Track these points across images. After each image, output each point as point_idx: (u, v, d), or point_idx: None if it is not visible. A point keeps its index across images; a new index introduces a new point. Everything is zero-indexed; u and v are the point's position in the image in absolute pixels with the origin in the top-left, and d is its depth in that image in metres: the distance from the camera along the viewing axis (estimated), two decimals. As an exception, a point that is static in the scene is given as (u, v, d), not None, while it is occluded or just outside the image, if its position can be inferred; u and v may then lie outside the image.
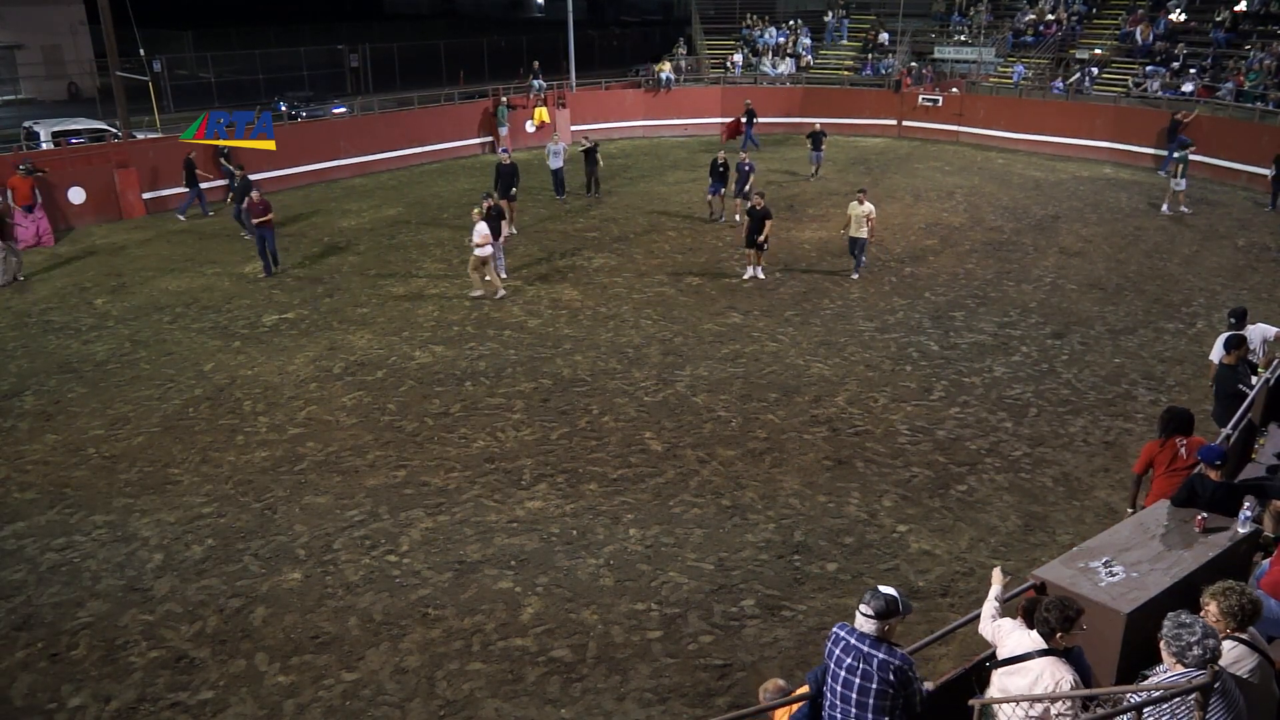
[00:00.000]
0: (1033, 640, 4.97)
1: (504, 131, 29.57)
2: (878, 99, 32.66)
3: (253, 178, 20.59)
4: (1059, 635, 4.92)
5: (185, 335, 15.37)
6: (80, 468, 11.34)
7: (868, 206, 16.98)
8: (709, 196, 21.82)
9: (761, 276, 17.64)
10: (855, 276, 17.54)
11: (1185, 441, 7.87)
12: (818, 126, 26.12)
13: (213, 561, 9.48)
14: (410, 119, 28.70)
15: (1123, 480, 10.76)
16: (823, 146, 25.85)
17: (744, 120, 29.41)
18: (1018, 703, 4.85)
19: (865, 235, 17.23)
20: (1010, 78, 31.88)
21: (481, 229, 16.08)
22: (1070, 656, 5.11)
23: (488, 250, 16.32)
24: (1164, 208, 22.47)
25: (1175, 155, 22.76)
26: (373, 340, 15.03)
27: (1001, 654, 5.10)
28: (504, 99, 29.96)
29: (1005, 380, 13.44)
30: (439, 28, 58.19)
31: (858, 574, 9.12)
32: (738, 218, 20.61)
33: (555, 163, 23.49)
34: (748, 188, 20.64)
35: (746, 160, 21.50)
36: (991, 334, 15.12)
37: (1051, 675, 4.82)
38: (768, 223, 17.12)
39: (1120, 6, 32.85)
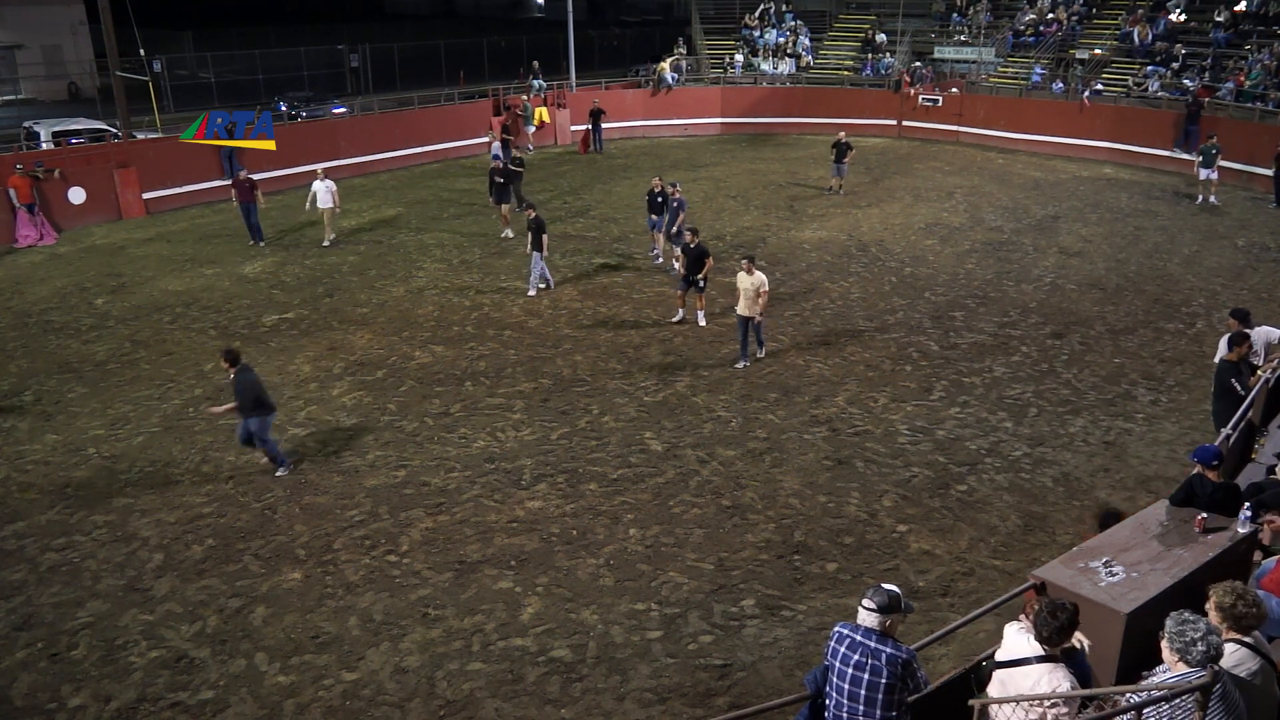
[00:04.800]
0: (1031, 646, 4.95)
1: (531, 130, 29.98)
2: (878, 99, 32.65)
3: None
4: (1055, 643, 4.90)
5: (185, 335, 15.37)
6: (80, 468, 11.35)
7: (758, 277, 13.39)
8: (651, 232, 19.16)
9: (704, 324, 15.35)
10: (742, 365, 13.84)
11: None
12: (841, 136, 24.07)
13: (213, 561, 9.48)
14: (410, 119, 28.70)
15: (1123, 480, 10.77)
16: (846, 159, 23.81)
17: (590, 125, 29.52)
18: (1016, 703, 4.85)
19: (757, 314, 13.59)
20: (1012, 78, 31.88)
21: (318, 186, 19.73)
22: (1070, 658, 5.11)
23: (330, 204, 19.92)
24: (1198, 199, 23.07)
25: (1202, 154, 23.11)
26: (373, 340, 15.03)
27: (1001, 655, 5.11)
28: (525, 99, 30.24)
29: (1005, 380, 13.43)
30: (439, 28, 58.09)
31: (858, 574, 9.12)
32: (675, 264, 17.33)
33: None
34: (675, 228, 17.68)
35: (677, 195, 18.03)
36: (991, 334, 15.12)
37: (1049, 683, 4.81)
38: (708, 260, 14.98)
39: (1120, 6, 32.84)
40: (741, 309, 13.68)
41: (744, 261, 13.65)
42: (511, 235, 20.49)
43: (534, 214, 16.85)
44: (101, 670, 8.01)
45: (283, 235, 21.00)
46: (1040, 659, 4.88)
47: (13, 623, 8.60)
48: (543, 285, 17.27)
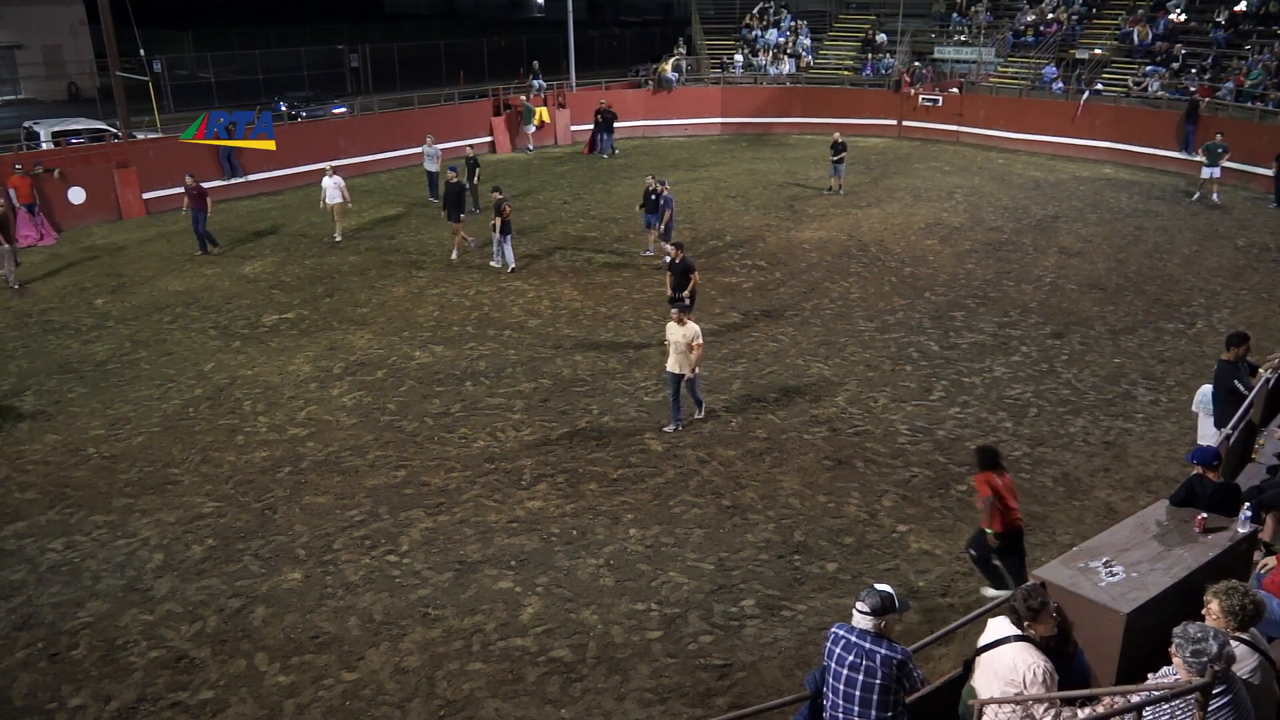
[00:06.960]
0: (1008, 626, 5.11)
1: (530, 130, 30.07)
2: (878, 99, 32.65)
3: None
4: (1027, 624, 5.05)
5: (185, 335, 15.37)
6: (80, 468, 11.34)
7: (691, 329, 11.56)
8: (645, 230, 19.06)
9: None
10: (672, 428, 11.99)
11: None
12: (837, 136, 23.90)
13: (213, 561, 9.48)
14: (410, 119, 28.69)
15: (1123, 480, 10.77)
16: (842, 160, 23.63)
17: (598, 125, 29.26)
18: (1017, 703, 4.86)
19: (689, 371, 11.69)
20: (1012, 78, 31.87)
21: (327, 183, 19.98)
22: (1071, 657, 5.12)
23: (339, 199, 20.16)
24: (1196, 196, 23.23)
25: (1206, 152, 23.23)
26: (373, 340, 15.03)
27: (981, 641, 5.22)
28: (525, 99, 30.30)
29: (1005, 380, 13.43)
30: (439, 28, 58.14)
31: (858, 574, 9.12)
32: (666, 260, 16.01)
33: (430, 165, 23.81)
34: (662, 226, 17.73)
35: (665, 193, 17.58)
36: (991, 334, 15.12)
37: (1023, 660, 4.92)
38: (693, 276, 14.04)
39: (1120, 6, 32.84)
40: (671, 365, 11.78)
41: (674, 311, 11.75)
42: (457, 257, 19.07)
43: (499, 197, 17.71)
44: (101, 670, 8.01)
45: (283, 235, 21.00)
46: (1017, 638, 5.02)
47: (13, 623, 8.60)
48: (496, 265, 18.20)
